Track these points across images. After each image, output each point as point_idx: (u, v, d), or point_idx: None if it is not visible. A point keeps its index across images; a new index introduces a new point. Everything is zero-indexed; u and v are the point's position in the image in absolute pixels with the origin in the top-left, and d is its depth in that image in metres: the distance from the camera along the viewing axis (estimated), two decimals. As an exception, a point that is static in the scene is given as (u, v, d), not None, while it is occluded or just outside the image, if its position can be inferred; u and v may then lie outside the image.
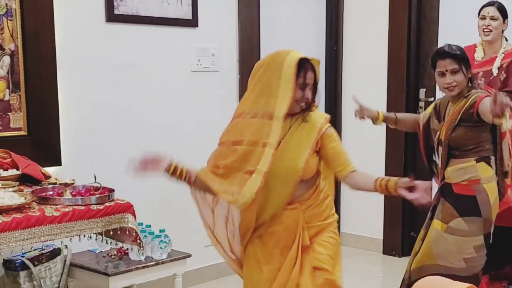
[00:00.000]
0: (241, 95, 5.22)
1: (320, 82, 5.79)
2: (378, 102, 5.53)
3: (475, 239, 3.80)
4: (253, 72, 3.26)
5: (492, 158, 3.82)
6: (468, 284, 2.20)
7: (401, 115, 4.26)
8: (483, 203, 3.77)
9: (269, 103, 3.08)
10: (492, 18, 4.46)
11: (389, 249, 5.92)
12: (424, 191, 2.98)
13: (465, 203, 3.79)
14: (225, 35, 5.14)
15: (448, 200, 3.85)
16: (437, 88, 4.88)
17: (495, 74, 4.41)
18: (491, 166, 3.80)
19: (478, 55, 4.56)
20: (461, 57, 3.78)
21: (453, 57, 3.75)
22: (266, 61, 3.18)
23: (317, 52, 6.05)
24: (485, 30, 4.47)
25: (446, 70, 3.75)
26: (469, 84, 3.84)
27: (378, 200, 5.74)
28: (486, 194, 3.77)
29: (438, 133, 3.91)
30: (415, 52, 5.75)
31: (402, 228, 5.87)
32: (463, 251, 3.79)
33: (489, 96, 3.65)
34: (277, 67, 3.07)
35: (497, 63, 4.45)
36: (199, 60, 4.95)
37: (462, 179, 3.80)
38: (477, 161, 3.78)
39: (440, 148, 3.89)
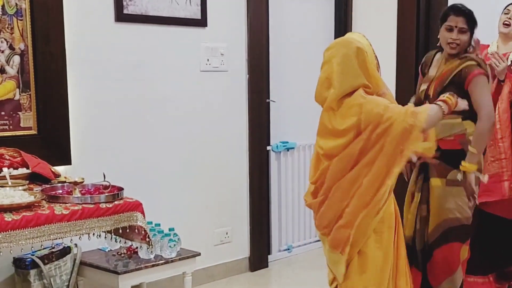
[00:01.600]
0: (249, 94, 5.26)
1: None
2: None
3: (476, 189, 3.86)
4: None
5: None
6: None
7: (412, 100, 4.19)
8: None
9: None
10: None
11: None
12: None
13: (455, 156, 3.82)
14: (234, 34, 5.15)
15: (436, 158, 3.83)
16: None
17: (508, 64, 4.42)
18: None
19: (491, 49, 4.57)
20: (473, 20, 3.85)
21: (466, 17, 3.82)
22: None
23: (326, 52, 6.06)
24: (505, 22, 4.48)
25: (456, 27, 3.81)
26: (468, 48, 3.89)
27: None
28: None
29: (426, 87, 3.96)
30: (423, 49, 5.72)
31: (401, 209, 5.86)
32: (467, 201, 3.87)
33: (480, 74, 3.77)
34: None
35: (511, 57, 4.46)
36: (208, 59, 4.97)
37: (449, 133, 3.85)
38: (463, 119, 3.83)
39: (426, 103, 3.87)
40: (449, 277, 3.90)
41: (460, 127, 3.85)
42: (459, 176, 3.76)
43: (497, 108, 4.23)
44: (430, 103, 3.78)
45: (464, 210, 3.87)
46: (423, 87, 4.00)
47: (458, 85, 3.80)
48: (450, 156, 3.86)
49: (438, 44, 4.01)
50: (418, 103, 3.91)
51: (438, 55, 4.05)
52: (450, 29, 3.83)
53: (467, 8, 3.87)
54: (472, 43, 3.95)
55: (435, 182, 3.93)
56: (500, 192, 4.22)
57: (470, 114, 3.80)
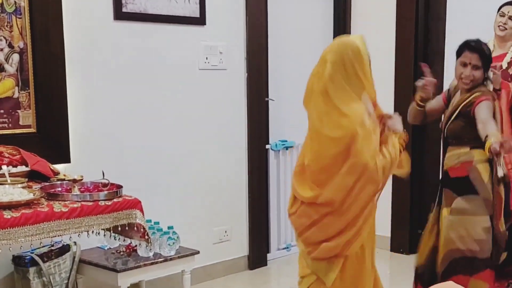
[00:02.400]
0: (248, 92, 5.26)
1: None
2: (386, 100, 5.51)
3: (481, 220, 3.87)
4: None
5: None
6: None
7: (427, 106, 4.19)
8: (476, 180, 3.86)
9: None
10: (511, 18, 4.49)
11: (396, 246, 5.92)
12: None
13: (460, 184, 3.90)
14: (233, 33, 5.15)
15: (447, 187, 3.98)
16: (444, 86, 4.91)
17: (504, 67, 4.43)
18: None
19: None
20: (487, 57, 3.90)
21: (480, 54, 3.86)
22: None
23: (325, 50, 6.06)
24: (500, 26, 4.49)
25: (469, 63, 3.86)
26: (484, 82, 3.96)
27: (385, 198, 5.73)
28: (478, 172, 3.86)
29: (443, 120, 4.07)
30: (422, 51, 5.76)
31: (410, 225, 5.88)
32: (473, 233, 3.87)
33: (487, 100, 3.82)
34: None
35: (507, 58, 4.47)
36: (206, 58, 4.97)
37: (457, 161, 3.92)
38: (471, 148, 3.88)
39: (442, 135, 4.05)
40: None
41: (467, 156, 3.90)
42: (500, 172, 3.72)
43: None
44: (442, 135, 4.00)
45: (468, 243, 3.87)
46: (442, 120, 4.10)
47: (465, 116, 3.88)
48: (457, 183, 3.93)
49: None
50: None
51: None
52: (464, 65, 3.89)
53: (481, 45, 3.91)
54: (491, 75, 4.02)
55: (445, 212, 3.98)
56: None
57: (480, 143, 3.78)
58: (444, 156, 4.07)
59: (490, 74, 4.05)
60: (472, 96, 3.87)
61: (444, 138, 4.05)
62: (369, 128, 3.24)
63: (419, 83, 4.07)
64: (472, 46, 3.90)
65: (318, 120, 3.35)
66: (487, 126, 3.71)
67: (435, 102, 4.23)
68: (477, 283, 3.91)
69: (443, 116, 4.11)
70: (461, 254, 3.89)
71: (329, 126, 3.27)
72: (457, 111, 3.91)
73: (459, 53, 3.96)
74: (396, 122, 3.49)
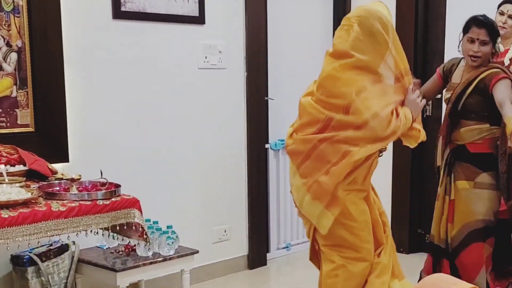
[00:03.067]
0: (248, 92, 5.25)
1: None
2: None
3: (499, 194, 4.00)
4: None
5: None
6: (471, 285, 2.21)
7: (422, 89, 4.23)
8: (498, 157, 3.91)
9: None
10: (510, 17, 4.48)
11: (396, 246, 5.87)
12: None
13: (485, 160, 3.95)
14: (232, 32, 5.14)
15: (465, 161, 4.00)
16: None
17: (506, 64, 4.42)
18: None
19: None
20: (496, 31, 3.92)
21: (489, 29, 3.87)
22: None
23: (324, 50, 6.03)
24: (500, 26, 4.48)
25: (477, 39, 3.88)
26: (490, 59, 3.97)
27: (385, 197, 5.73)
28: (498, 149, 3.90)
29: (449, 95, 4.06)
30: (422, 49, 5.74)
31: (410, 225, 5.87)
32: (495, 206, 4.01)
33: (505, 78, 3.82)
34: None
35: (509, 55, 4.47)
36: (206, 57, 4.96)
37: (477, 138, 3.96)
38: (492, 125, 3.92)
39: (447, 106, 4.05)
40: (477, 277, 4.04)
41: (488, 132, 3.94)
42: None
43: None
44: (451, 107, 3.99)
45: (489, 214, 3.99)
46: (447, 95, 4.09)
47: (482, 91, 3.89)
48: (480, 159, 3.98)
49: (459, 50, 4.08)
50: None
51: (463, 62, 4.10)
52: (472, 41, 3.90)
53: (489, 20, 3.92)
54: (501, 48, 4.01)
55: (462, 184, 4.02)
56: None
57: (497, 119, 3.85)
58: (450, 129, 4.07)
59: (500, 46, 4.03)
60: (489, 71, 3.88)
61: (455, 112, 4.02)
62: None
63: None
64: (480, 21, 3.90)
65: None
66: (505, 108, 3.70)
67: (431, 83, 4.28)
68: (487, 247, 4.06)
69: (445, 92, 4.15)
70: (483, 224, 4.00)
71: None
72: (472, 86, 3.91)
73: (466, 29, 3.96)
74: (410, 103, 3.61)
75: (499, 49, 4.00)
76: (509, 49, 4.50)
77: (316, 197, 3.53)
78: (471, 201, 4.01)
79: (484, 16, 3.94)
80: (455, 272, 4.12)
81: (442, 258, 4.23)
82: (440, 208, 4.21)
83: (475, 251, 4.04)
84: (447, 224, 4.17)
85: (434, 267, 4.30)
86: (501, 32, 4.49)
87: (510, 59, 4.46)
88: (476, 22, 3.90)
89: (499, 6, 4.54)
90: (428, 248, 4.44)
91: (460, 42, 4.05)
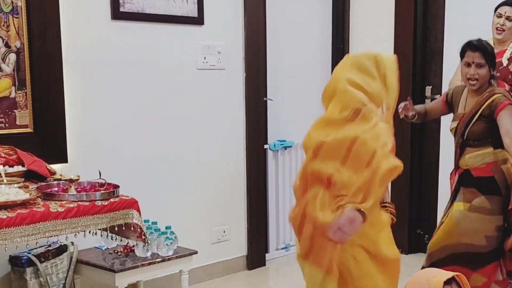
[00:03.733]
0: (247, 92, 5.25)
1: (326, 79, 5.81)
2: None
3: (496, 219, 3.96)
4: None
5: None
6: (454, 273, 2.22)
7: (427, 105, 4.42)
8: (501, 182, 3.94)
9: None
10: (508, 18, 4.46)
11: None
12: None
13: (485, 183, 3.96)
14: (231, 32, 5.14)
15: (468, 185, 4.02)
16: (443, 85, 4.91)
17: (504, 64, 4.42)
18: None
19: None
20: (490, 54, 3.95)
21: (482, 52, 3.92)
22: None
23: (323, 51, 6.06)
24: (498, 28, 4.48)
25: (473, 62, 3.93)
26: (490, 81, 3.99)
27: (384, 198, 5.74)
28: (503, 173, 3.93)
29: (456, 125, 4.08)
30: (421, 50, 5.74)
31: (409, 226, 5.87)
32: (486, 230, 3.96)
33: (510, 104, 3.86)
34: None
35: (507, 55, 4.46)
36: (205, 57, 4.96)
37: (481, 162, 3.97)
38: (495, 148, 3.94)
39: (456, 137, 4.08)
40: None
41: (492, 156, 3.96)
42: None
43: None
44: (457, 137, 4.03)
45: (479, 239, 3.96)
46: (453, 124, 4.12)
47: (487, 117, 3.92)
48: (482, 183, 3.98)
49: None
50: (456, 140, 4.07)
51: (466, 90, 4.14)
52: (468, 65, 3.96)
53: (483, 43, 3.98)
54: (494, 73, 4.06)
55: (458, 206, 4.03)
56: None
57: (500, 142, 3.89)
58: (458, 157, 4.08)
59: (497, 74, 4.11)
60: (494, 97, 3.90)
61: (461, 140, 4.04)
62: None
63: (400, 107, 4.13)
64: (473, 45, 3.96)
65: None
66: (506, 139, 3.81)
67: (435, 104, 4.34)
68: (478, 277, 3.99)
69: (451, 122, 4.16)
70: (466, 249, 3.97)
71: None
72: (478, 114, 3.94)
73: (462, 54, 4.02)
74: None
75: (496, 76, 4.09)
76: (506, 49, 4.50)
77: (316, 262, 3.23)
78: (461, 223, 3.99)
79: (478, 40, 4.01)
80: None
81: None
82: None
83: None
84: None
85: None
86: (500, 36, 4.49)
87: (508, 59, 4.45)
88: (470, 46, 3.98)
89: (496, 8, 4.53)
90: None
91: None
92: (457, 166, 4.13)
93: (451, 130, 4.16)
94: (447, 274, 2.19)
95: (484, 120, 3.93)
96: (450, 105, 4.21)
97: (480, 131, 3.96)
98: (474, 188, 3.99)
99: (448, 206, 4.17)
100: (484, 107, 3.93)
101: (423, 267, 4.14)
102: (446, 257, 4.04)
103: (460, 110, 4.11)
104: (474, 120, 3.96)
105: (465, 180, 4.07)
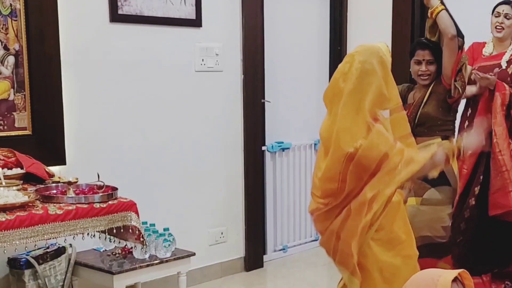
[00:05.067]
0: (245, 94, 5.26)
1: (324, 81, 5.83)
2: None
3: (448, 208, 4.13)
4: None
5: (452, 139, 4.00)
6: (459, 270, 2.22)
7: None
8: (449, 173, 4.05)
9: None
10: (506, 16, 4.48)
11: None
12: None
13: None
14: (229, 34, 5.15)
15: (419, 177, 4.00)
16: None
17: (503, 67, 4.43)
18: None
19: (487, 50, 4.58)
20: (438, 51, 4.13)
21: (432, 50, 4.16)
22: None
23: (321, 52, 6.07)
24: (497, 27, 4.49)
25: (423, 60, 4.17)
26: (438, 77, 4.18)
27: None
28: (451, 165, 3.90)
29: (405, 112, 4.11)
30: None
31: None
32: (440, 220, 4.10)
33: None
34: None
35: (506, 57, 4.47)
36: (203, 59, 4.97)
37: None
38: (443, 138, 4.06)
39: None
40: None
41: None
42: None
43: (492, 123, 4.28)
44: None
45: (436, 230, 4.08)
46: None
47: (438, 91, 4.13)
48: None
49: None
50: None
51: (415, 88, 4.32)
52: (418, 63, 4.20)
53: (431, 41, 4.18)
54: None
55: (410, 201, 4.07)
56: (507, 204, 4.24)
57: (447, 129, 4.12)
58: None
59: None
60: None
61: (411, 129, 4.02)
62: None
63: None
64: (423, 43, 4.21)
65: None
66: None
67: None
68: (444, 266, 4.07)
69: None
70: (430, 240, 4.08)
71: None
72: (428, 92, 4.14)
73: (412, 53, 4.25)
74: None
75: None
76: (505, 52, 4.50)
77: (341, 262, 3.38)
78: (415, 217, 3.97)
79: (426, 38, 4.22)
80: None
81: None
82: None
83: (424, 265, 3.94)
84: None
85: None
86: (499, 35, 4.49)
87: (507, 61, 4.46)
88: (420, 44, 4.23)
89: (494, 8, 4.54)
90: None
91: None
92: None
93: None
94: (452, 273, 2.19)
95: (435, 99, 4.12)
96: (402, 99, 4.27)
97: (430, 112, 4.11)
98: (423, 180, 4.01)
99: None
100: (434, 84, 4.15)
101: None
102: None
103: (409, 101, 4.28)
104: (425, 100, 4.14)
105: None
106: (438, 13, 4.08)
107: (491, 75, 4.35)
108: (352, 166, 3.13)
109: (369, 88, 3.20)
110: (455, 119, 4.28)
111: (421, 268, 3.77)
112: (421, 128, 4.13)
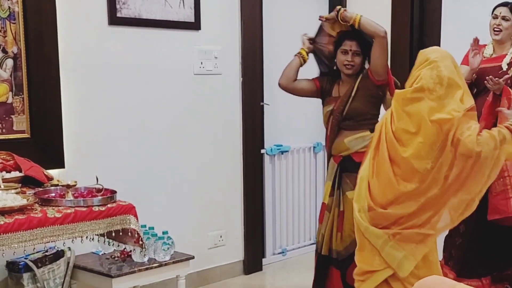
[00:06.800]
0: (243, 97, 5.26)
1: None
2: (381, 103, 5.55)
3: None
4: None
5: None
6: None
7: (297, 83, 4.54)
8: None
9: None
10: (504, 18, 4.48)
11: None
12: None
13: None
14: (228, 37, 5.15)
15: (352, 171, 4.10)
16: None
17: (504, 69, 4.43)
18: None
19: (487, 52, 4.58)
20: (365, 43, 4.20)
21: (359, 41, 4.21)
22: None
23: (320, 55, 6.06)
24: (495, 29, 4.49)
25: (350, 50, 4.21)
26: (364, 69, 4.27)
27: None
28: None
29: (331, 107, 4.29)
30: (417, 49, 5.72)
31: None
32: None
33: None
34: None
35: (507, 59, 4.47)
36: (201, 62, 4.97)
37: (361, 146, 4.14)
38: (371, 131, 4.11)
39: (330, 120, 4.29)
40: None
41: (369, 139, 4.06)
42: None
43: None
44: (331, 120, 4.25)
45: None
46: (329, 107, 4.32)
47: (366, 87, 4.20)
48: None
49: (335, 68, 4.38)
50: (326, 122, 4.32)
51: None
52: (345, 52, 4.23)
53: (360, 33, 4.20)
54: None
55: (351, 195, 4.08)
56: (506, 210, 4.23)
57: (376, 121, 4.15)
58: (332, 142, 4.27)
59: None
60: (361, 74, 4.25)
61: (337, 121, 4.23)
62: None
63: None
64: (351, 34, 4.23)
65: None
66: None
67: (306, 84, 4.48)
68: None
69: (324, 107, 4.36)
70: None
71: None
72: (355, 86, 4.21)
73: (339, 42, 4.27)
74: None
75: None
76: (506, 54, 4.50)
77: (403, 240, 3.68)
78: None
79: (356, 30, 4.23)
80: (345, 281, 4.22)
81: (330, 267, 4.29)
82: (331, 219, 4.27)
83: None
84: (337, 233, 4.24)
85: (319, 276, 4.37)
86: (497, 37, 4.49)
87: (508, 64, 4.46)
88: (348, 35, 4.23)
89: (493, 11, 4.55)
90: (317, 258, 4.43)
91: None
92: (330, 153, 4.31)
93: (326, 114, 4.32)
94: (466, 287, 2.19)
95: (364, 95, 4.18)
96: (322, 91, 4.39)
97: (359, 107, 4.17)
98: (357, 172, 4.04)
99: (336, 194, 4.24)
100: (360, 79, 4.21)
101: (329, 261, 4.28)
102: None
103: (334, 94, 4.32)
104: (352, 95, 4.19)
105: (347, 166, 4.21)
106: (359, 21, 4.15)
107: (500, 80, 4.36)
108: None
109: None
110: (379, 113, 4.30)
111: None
112: (349, 122, 4.21)
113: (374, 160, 3.78)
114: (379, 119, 4.19)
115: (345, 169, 4.23)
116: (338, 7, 4.33)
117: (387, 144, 3.72)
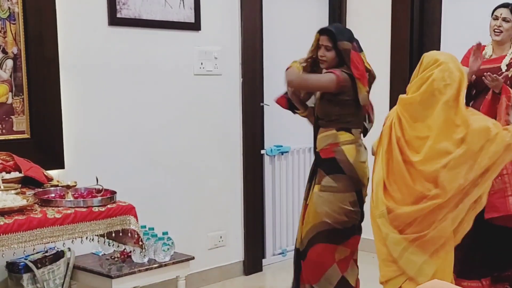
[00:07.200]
0: (243, 98, 5.26)
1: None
2: (381, 103, 5.50)
3: (348, 195, 4.22)
4: None
5: (353, 129, 4.24)
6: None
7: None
8: (342, 161, 4.19)
9: None
10: (504, 20, 4.47)
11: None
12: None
13: (328, 164, 4.23)
14: (228, 38, 5.15)
15: (319, 166, 4.29)
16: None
17: (503, 70, 4.42)
18: (352, 134, 4.23)
19: (487, 52, 4.57)
20: (336, 37, 4.19)
21: (330, 35, 4.20)
22: None
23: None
24: (495, 30, 4.48)
25: (322, 45, 4.23)
26: (340, 64, 4.24)
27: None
28: (343, 153, 4.19)
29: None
30: (417, 54, 5.74)
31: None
32: (341, 205, 4.20)
33: (332, 72, 4.17)
34: None
35: (506, 61, 4.46)
36: (201, 63, 4.97)
37: (326, 143, 4.24)
38: (337, 130, 4.22)
39: (313, 117, 4.43)
40: (324, 275, 4.24)
41: (333, 138, 4.22)
42: None
43: None
44: (314, 117, 4.38)
45: (333, 216, 4.19)
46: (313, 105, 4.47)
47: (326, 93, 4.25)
48: (326, 163, 4.24)
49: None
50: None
51: None
52: (318, 48, 4.27)
53: (333, 27, 4.31)
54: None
55: (316, 188, 4.27)
56: (505, 208, 4.23)
57: (345, 125, 4.24)
58: (314, 139, 4.39)
59: None
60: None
61: (315, 121, 4.38)
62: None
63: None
64: (323, 29, 4.27)
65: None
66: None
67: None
68: (343, 250, 4.25)
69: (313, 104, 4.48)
70: (329, 226, 4.19)
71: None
72: (319, 95, 4.32)
73: (317, 40, 4.30)
74: None
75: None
76: (506, 55, 4.50)
77: (422, 247, 3.82)
78: (317, 204, 4.23)
79: (332, 25, 4.40)
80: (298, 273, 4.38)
81: (300, 260, 4.39)
82: (302, 212, 4.42)
83: (321, 251, 4.22)
84: (301, 226, 4.37)
85: (295, 270, 4.45)
86: (498, 38, 4.48)
87: (507, 65, 4.45)
88: (321, 30, 4.26)
89: (493, 12, 4.54)
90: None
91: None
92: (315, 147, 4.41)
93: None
94: None
95: (326, 98, 4.23)
96: None
97: (324, 108, 4.26)
98: (321, 169, 4.24)
99: (307, 188, 4.39)
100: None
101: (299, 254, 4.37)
102: (313, 237, 4.24)
103: (317, 95, 4.41)
104: (319, 96, 4.30)
105: (317, 161, 4.34)
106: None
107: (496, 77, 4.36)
108: None
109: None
110: (353, 112, 4.28)
111: (320, 253, 4.21)
112: (322, 121, 4.28)
113: (388, 165, 3.91)
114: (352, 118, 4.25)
115: (317, 164, 4.34)
116: None
117: (400, 149, 3.87)
